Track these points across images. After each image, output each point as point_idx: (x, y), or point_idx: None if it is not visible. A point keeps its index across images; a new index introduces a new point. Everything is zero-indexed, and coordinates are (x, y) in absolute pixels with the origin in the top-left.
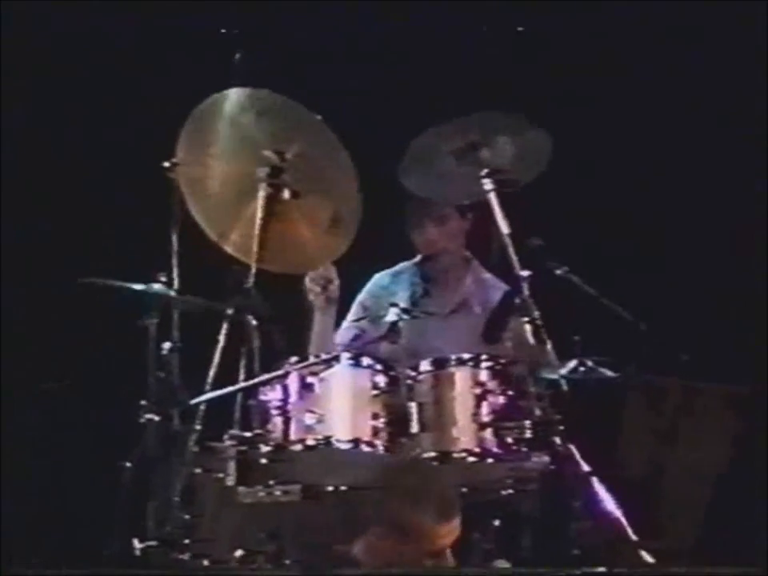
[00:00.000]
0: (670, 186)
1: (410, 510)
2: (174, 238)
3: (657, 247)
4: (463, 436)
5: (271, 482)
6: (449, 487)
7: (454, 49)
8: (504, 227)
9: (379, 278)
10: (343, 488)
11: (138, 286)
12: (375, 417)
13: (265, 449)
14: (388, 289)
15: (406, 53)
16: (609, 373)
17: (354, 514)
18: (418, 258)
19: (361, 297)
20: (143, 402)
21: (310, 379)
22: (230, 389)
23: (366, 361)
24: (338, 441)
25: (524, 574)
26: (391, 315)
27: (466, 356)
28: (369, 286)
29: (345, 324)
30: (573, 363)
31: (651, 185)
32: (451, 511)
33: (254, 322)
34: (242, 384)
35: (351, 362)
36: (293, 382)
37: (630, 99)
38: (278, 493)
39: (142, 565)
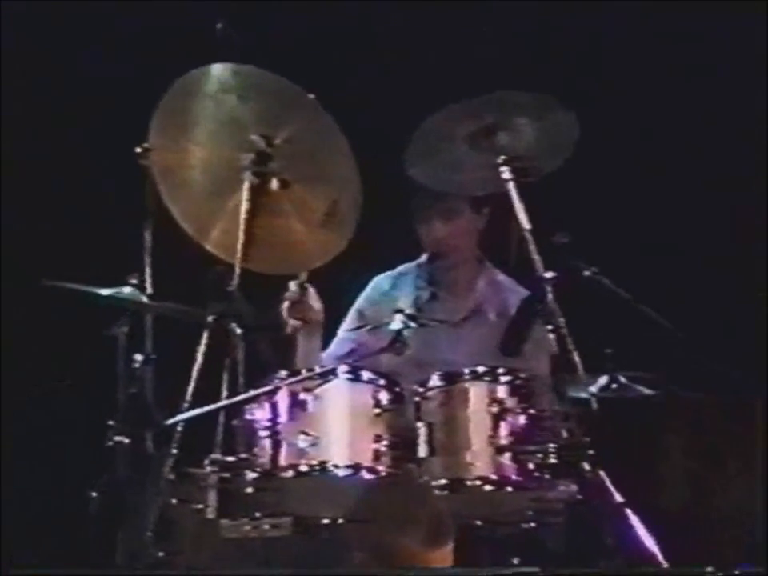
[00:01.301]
0: (717, 175)
1: (396, 535)
2: (147, 235)
3: (701, 246)
4: (478, 461)
5: (258, 515)
6: (440, 509)
7: (468, 20)
8: (524, 222)
9: (378, 281)
10: (340, 521)
11: (106, 291)
12: (377, 439)
13: (251, 476)
14: (389, 294)
15: (412, 23)
16: (645, 390)
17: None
18: (423, 257)
19: (358, 303)
20: (112, 423)
21: (302, 396)
22: (211, 407)
23: (366, 375)
24: (334, 467)
25: (525, 573)
26: (396, 323)
27: (482, 369)
28: (367, 290)
29: (340, 334)
30: (604, 379)
31: (693, 174)
32: (443, 536)
33: (239, 331)
34: (225, 402)
35: (350, 376)
36: (283, 399)
37: (671, 76)
38: (266, 526)
39: None
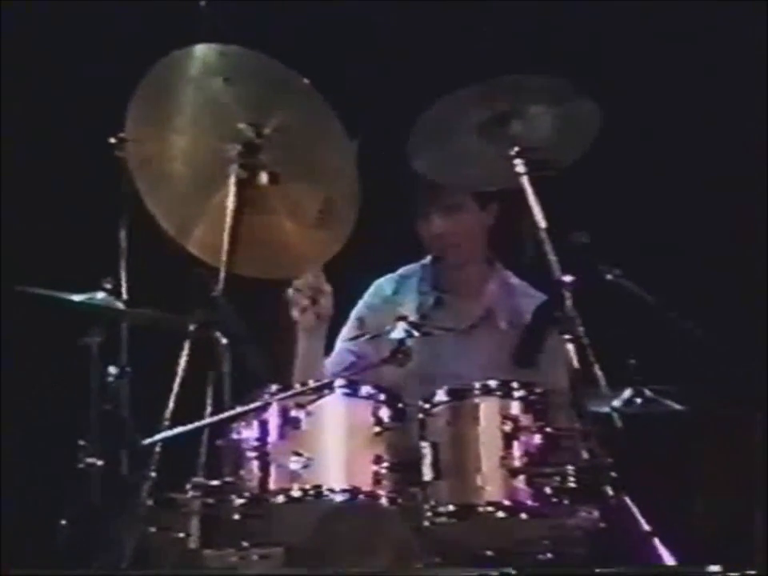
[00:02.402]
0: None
1: (358, 558)
2: (122, 235)
3: (735, 246)
4: (489, 485)
5: (245, 544)
6: (404, 529)
7: None
8: (540, 220)
9: (380, 285)
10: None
11: (77, 296)
12: (377, 460)
13: (237, 501)
14: (391, 299)
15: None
16: (674, 405)
17: None
18: (428, 259)
19: (357, 310)
20: (83, 443)
21: (294, 413)
22: (194, 425)
23: (365, 389)
24: (330, 491)
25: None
26: (398, 332)
27: (493, 383)
28: (367, 296)
29: (338, 345)
30: (628, 392)
31: (726, 170)
32: (409, 556)
33: (224, 341)
34: (209, 419)
35: (347, 390)
36: (273, 416)
37: (701, 62)
38: (254, 557)
39: None
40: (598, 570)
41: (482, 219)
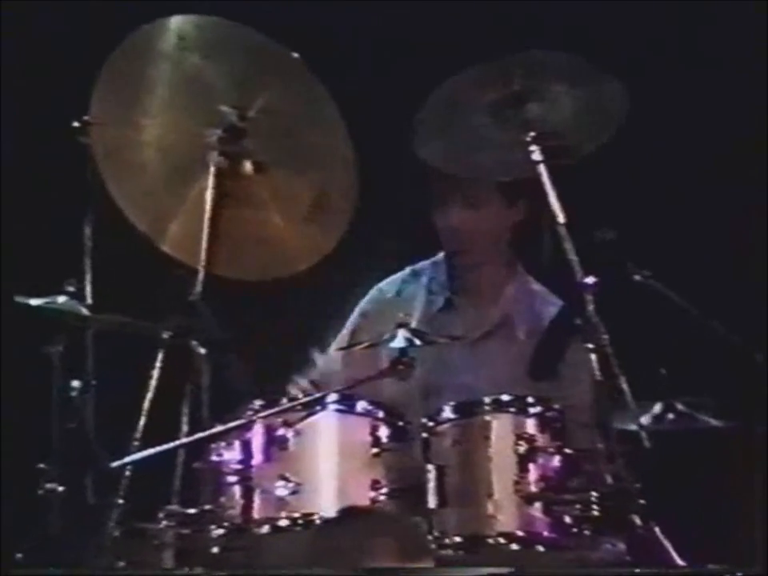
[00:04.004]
0: None
1: (367, 555)
2: (87, 231)
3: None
4: (502, 513)
5: None
6: (413, 527)
7: None
8: (559, 214)
9: (379, 289)
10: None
11: (36, 300)
12: (375, 485)
13: (217, 532)
14: (393, 302)
15: None
16: (710, 420)
17: None
18: (440, 255)
19: (355, 316)
20: (43, 466)
21: (281, 432)
22: (168, 446)
23: (361, 405)
24: (322, 520)
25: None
26: (399, 340)
27: (506, 398)
28: (367, 298)
29: (331, 354)
30: (657, 407)
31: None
32: (418, 552)
33: (202, 350)
34: (185, 439)
35: (341, 406)
36: (257, 435)
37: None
38: None
39: None
40: (600, 571)
41: (508, 217)
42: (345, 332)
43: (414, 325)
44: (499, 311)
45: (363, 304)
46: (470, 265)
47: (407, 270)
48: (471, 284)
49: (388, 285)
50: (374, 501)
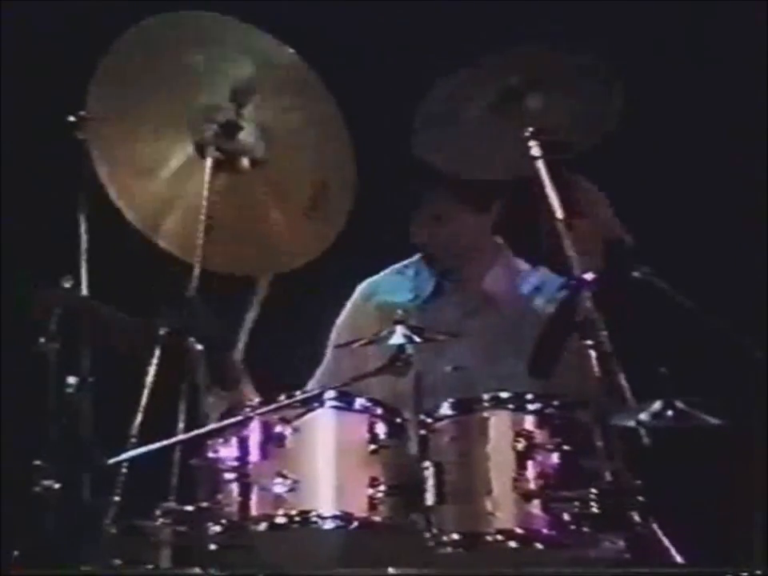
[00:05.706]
0: None
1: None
2: (83, 227)
3: None
4: (500, 511)
5: None
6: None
7: None
8: (557, 210)
9: (372, 282)
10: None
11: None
12: (373, 483)
13: (214, 529)
14: (384, 296)
15: None
16: (710, 418)
17: None
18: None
19: (345, 314)
20: (38, 463)
21: (278, 429)
22: (164, 443)
23: (359, 402)
24: (319, 517)
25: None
26: (397, 337)
27: (505, 394)
28: (356, 295)
29: (327, 353)
30: (657, 405)
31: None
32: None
33: (199, 347)
34: (182, 436)
35: (338, 403)
36: (255, 432)
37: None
38: None
39: None
40: (600, 570)
41: (481, 222)
42: (342, 325)
43: (412, 322)
44: (487, 285)
45: (357, 295)
46: (456, 255)
47: (392, 267)
48: (458, 267)
49: (371, 283)
50: (371, 498)
